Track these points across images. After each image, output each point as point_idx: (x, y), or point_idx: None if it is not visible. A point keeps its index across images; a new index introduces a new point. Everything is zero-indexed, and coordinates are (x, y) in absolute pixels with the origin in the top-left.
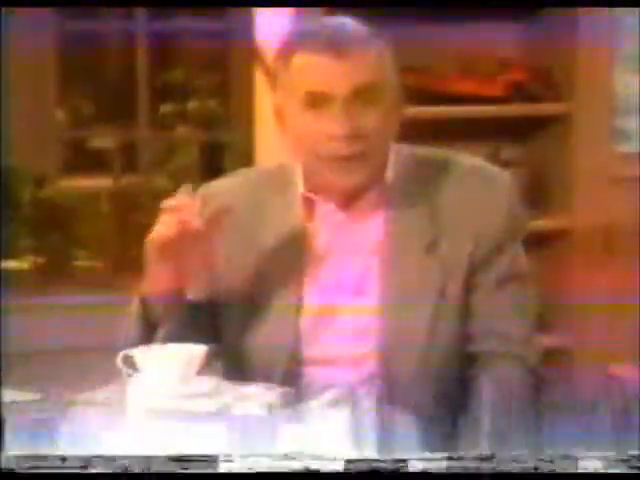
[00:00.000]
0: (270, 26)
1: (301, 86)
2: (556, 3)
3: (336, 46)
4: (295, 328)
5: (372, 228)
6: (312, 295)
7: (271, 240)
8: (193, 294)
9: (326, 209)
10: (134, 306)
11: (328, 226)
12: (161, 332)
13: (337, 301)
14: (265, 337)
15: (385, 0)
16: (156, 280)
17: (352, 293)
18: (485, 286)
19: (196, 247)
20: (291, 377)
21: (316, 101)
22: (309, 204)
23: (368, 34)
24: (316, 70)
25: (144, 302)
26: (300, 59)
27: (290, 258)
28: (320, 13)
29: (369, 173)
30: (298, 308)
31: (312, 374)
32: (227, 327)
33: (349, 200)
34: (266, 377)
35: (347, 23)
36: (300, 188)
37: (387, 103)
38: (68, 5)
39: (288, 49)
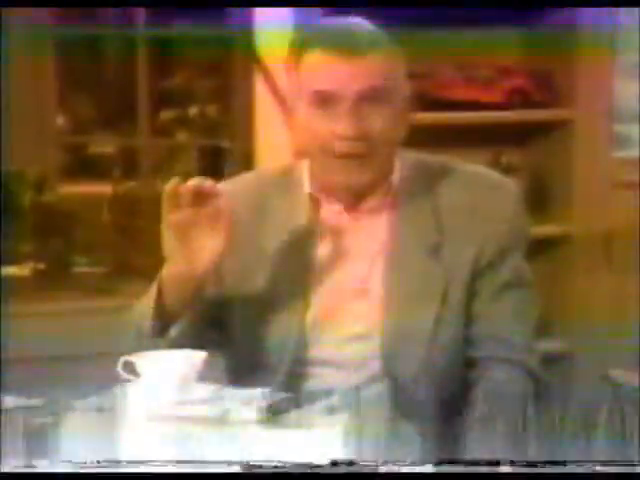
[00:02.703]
0: (271, 30)
1: (310, 84)
2: (556, 3)
3: (348, 46)
4: (300, 329)
5: (377, 230)
6: (317, 296)
7: (276, 240)
8: (209, 284)
9: (332, 210)
10: (145, 306)
11: (333, 227)
12: (173, 331)
13: (341, 302)
14: (269, 338)
15: (385, 2)
16: (176, 265)
17: (356, 295)
18: (487, 292)
19: (215, 229)
20: (294, 378)
21: (325, 100)
22: (315, 205)
23: (379, 35)
24: (326, 69)
25: (159, 299)
26: (310, 58)
27: (295, 259)
28: (320, 14)
29: (375, 173)
30: (303, 309)
31: (315, 375)
32: (232, 328)
33: (355, 202)
34: (269, 378)
35: (360, 24)
36: (306, 188)
37: (395, 106)
38: (68, 5)
39: (300, 47)
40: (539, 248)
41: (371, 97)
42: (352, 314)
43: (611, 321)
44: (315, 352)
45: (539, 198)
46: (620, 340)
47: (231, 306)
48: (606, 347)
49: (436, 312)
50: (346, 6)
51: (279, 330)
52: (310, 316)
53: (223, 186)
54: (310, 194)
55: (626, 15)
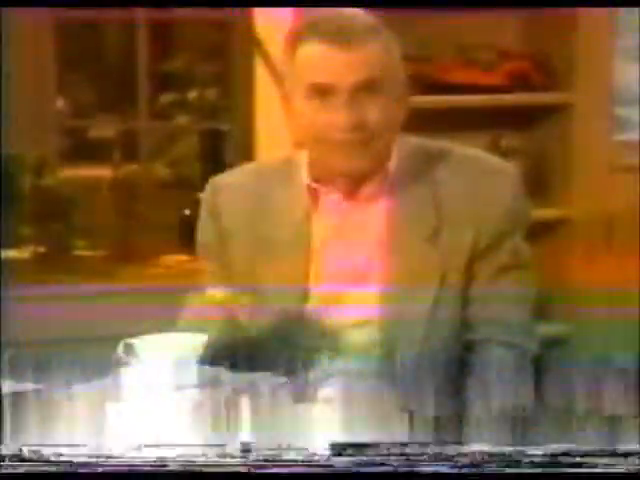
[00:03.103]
0: (271, 15)
1: (307, 76)
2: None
3: (343, 37)
4: (300, 317)
5: (375, 217)
6: (317, 283)
7: (277, 230)
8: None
9: (330, 199)
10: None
11: (332, 215)
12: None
13: (341, 289)
14: (271, 326)
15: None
16: None
17: (356, 281)
18: (485, 274)
19: None
20: (295, 365)
21: (321, 91)
22: (314, 194)
23: (376, 25)
24: (322, 61)
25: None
26: (306, 48)
27: (295, 247)
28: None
29: (372, 160)
30: (303, 296)
31: (315, 362)
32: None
33: (353, 189)
34: (271, 365)
35: (355, 14)
36: (305, 179)
37: (392, 95)
38: (68, 5)
39: (295, 37)
40: (539, 231)
41: (368, 88)
42: (352, 301)
43: (610, 304)
44: (316, 339)
45: (539, 181)
46: (620, 323)
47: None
48: (606, 330)
49: (434, 295)
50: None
51: (280, 318)
52: (310, 304)
53: (221, 178)
54: (308, 184)
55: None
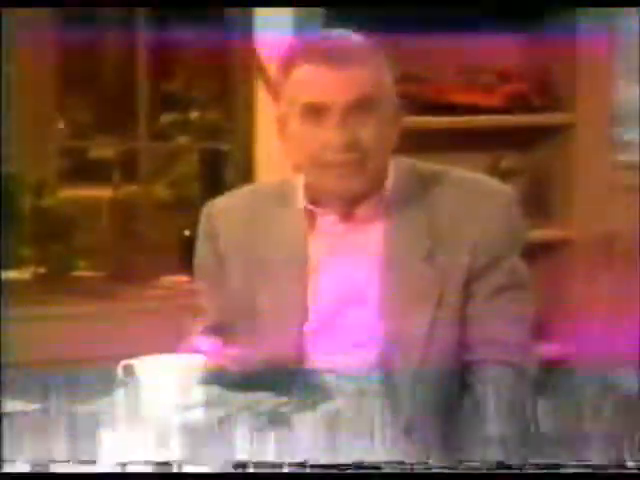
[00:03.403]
0: (271, 37)
1: (300, 97)
2: (556, 3)
3: (335, 58)
4: (298, 339)
5: (372, 238)
6: (314, 306)
7: (274, 253)
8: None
9: (326, 221)
10: None
11: (329, 237)
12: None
13: (339, 312)
14: (269, 349)
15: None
16: None
17: (353, 304)
18: (482, 294)
19: None
20: (294, 387)
21: (315, 111)
22: (310, 216)
23: (367, 46)
24: (315, 81)
25: None
26: (300, 71)
27: (292, 270)
28: (320, 12)
29: (367, 181)
30: (301, 319)
31: (315, 383)
32: (233, 339)
33: (349, 211)
34: (270, 387)
35: (347, 35)
36: (301, 201)
37: (384, 114)
38: (68, 5)
39: (289, 62)
40: (540, 252)
41: (360, 107)
42: (350, 323)
43: (611, 324)
44: (314, 362)
45: (540, 202)
46: (620, 343)
47: (232, 318)
48: (606, 350)
49: (431, 315)
50: (345, 5)
51: (278, 341)
52: (309, 325)
53: (217, 202)
54: (305, 207)
55: (626, 17)
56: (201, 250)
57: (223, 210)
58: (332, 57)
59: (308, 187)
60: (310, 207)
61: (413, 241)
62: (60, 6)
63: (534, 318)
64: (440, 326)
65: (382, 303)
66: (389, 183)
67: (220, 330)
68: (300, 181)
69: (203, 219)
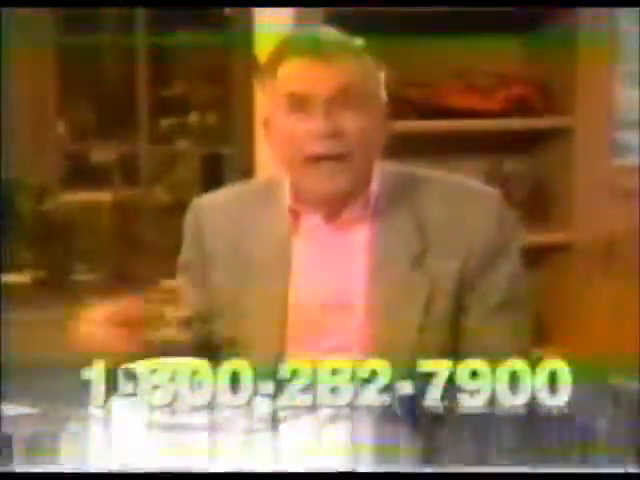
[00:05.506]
0: (270, 39)
1: (285, 89)
2: (556, 3)
3: (318, 49)
4: (281, 342)
5: (357, 241)
6: (298, 309)
7: (258, 253)
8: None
9: (311, 222)
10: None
11: (313, 238)
12: None
13: (323, 316)
14: (251, 351)
15: (383, 3)
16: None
17: (338, 308)
18: (478, 309)
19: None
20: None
21: (299, 102)
22: (295, 217)
23: (352, 42)
24: (299, 73)
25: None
26: (285, 66)
27: (276, 269)
28: (320, 12)
29: (352, 181)
30: (284, 323)
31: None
32: (216, 340)
33: (334, 212)
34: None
35: (328, 31)
36: (286, 202)
37: (370, 112)
38: (68, 5)
39: (274, 59)
40: (540, 256)
41: (343, 98)
42: (334, 328)
43: (611, 329)
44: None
45: (539, 206)
46: (620, 348)
47: (215, 319)
48: (606, 355)
49: (419, 322)
50: (346, 5)
51: (261, 343)
52: (292, 328)
53: (204, 198)
54: (289, 207)
55: (626, 20)
56: (186, 247)
57: (209, 207)
58: (316, 51)
59: (293, 186)
60: (294, 207)
61: (400, 244)
62: (60, 6)
63: (533, 327)
64: (428, 333)
65: (367, 307)
66: (375, 186)
67: (193, 324)
68: (286, 180)
69: (189, 215)
